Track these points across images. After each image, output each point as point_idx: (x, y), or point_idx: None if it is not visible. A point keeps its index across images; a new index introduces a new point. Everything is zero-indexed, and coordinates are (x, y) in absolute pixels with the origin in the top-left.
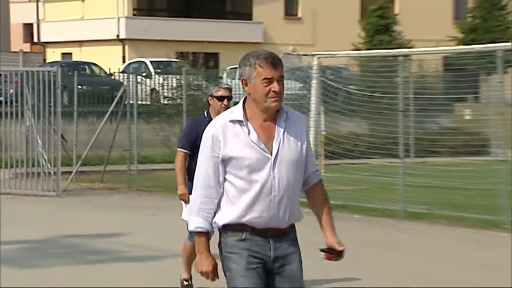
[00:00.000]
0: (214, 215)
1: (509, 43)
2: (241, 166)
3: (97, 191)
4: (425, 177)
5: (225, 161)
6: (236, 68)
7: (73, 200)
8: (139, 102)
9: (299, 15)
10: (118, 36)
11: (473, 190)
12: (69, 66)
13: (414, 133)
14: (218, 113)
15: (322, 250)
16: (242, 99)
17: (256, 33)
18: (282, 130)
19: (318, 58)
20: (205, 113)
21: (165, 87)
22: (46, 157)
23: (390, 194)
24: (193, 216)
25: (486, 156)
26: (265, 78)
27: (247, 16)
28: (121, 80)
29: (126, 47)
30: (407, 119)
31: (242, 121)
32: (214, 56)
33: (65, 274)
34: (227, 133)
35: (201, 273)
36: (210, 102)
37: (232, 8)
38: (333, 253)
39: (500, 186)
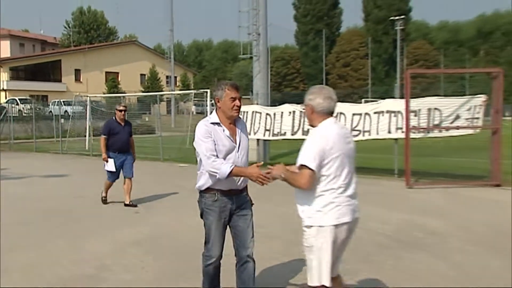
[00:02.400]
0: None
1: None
2: (220, 150)
3: None
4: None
5: None
6: (56, 100)
7: None
8: (13, 115)
9: (81, 80)
10: (2, 88)
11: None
12: None
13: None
14: (119, 118)
15: None
16: (214, 110)
17: (63, 87)
18: (239, 129)
19: (89, 97)
20: (113, 118)
21: (25, 109)
22: None
23: None
24: (222, 167)
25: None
26: (231, 97)
27: (59, 80)
28: (4, 106)
29: (7, 93)
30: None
31: (219, 123)
32: (46, 96)
33: None
34: (211, 129)
35: (257, 179)
36: (116, 112)
37: (53, 77)
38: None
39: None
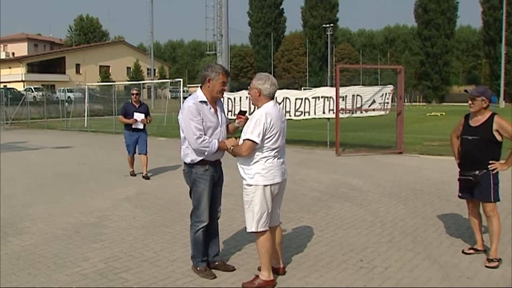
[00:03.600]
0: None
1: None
2: (208, 127)
3: (20, 129)
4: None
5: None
6: (61, 88)
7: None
8: (30, 100)
9: (81, 72)
10: (22, 79)
11: None
12: (6, 89)
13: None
14: (133, 100)
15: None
16: (199, 89)
17: (67, 78)
18: (219, 108)
19: (87, 86)
20: (130, 100)
21: (38, 95)
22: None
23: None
24: (211, 145)
25: None
26: (222, 81)
27: (64, 72)
28: (23, 93)
29: (25, 82)
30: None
31: (206, 102)
32: (54, 85)
33: None
34: (200, 107)
35: (231, 149)
36: (131, 95)
37: (59, 70)
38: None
39: None
